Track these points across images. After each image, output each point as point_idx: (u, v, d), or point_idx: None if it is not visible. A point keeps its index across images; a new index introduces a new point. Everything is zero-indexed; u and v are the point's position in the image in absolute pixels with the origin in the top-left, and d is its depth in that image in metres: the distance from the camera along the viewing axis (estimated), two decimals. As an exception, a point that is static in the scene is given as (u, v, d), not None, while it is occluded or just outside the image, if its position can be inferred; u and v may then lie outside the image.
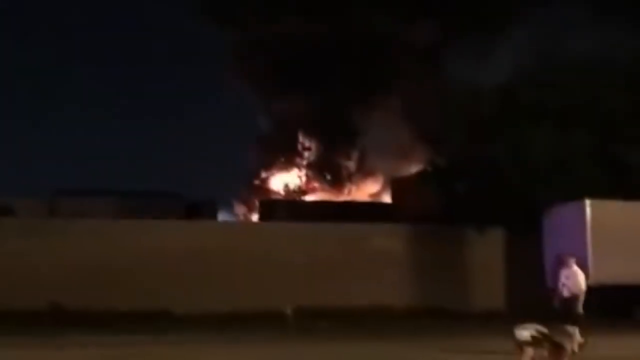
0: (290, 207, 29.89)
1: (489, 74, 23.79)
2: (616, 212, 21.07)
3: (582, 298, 13.59)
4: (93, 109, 41.62)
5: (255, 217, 32.13)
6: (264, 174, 36.14)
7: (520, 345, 7.16)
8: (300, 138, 36.13)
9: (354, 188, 36.19)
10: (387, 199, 33.87)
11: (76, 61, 43.83)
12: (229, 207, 34.14)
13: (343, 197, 35.25)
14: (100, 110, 41.53)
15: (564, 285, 13.62)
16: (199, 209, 28.49)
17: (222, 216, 31.29)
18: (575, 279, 13.54)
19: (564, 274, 13.81)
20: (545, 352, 9.64)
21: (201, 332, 17.88)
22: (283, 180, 35.87)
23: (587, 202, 20.49)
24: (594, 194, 20.55)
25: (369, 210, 29.70)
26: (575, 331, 12.50)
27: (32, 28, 43.98)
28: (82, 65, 44.05)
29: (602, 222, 20.62)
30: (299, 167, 36.18)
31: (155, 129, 46.23)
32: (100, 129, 43.02)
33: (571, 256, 14.06)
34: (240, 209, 34.67)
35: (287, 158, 36.09)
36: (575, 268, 13.74)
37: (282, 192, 35.45)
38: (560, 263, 14.17)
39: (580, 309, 13.47)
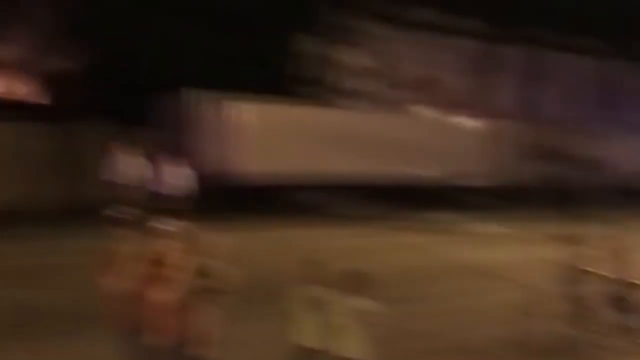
0: None
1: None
2: (248, 110, 21.49)
3: (174, 193, 13.43)
4: None
5: None
6: None
7: (114, 227, 6.88)
8: None
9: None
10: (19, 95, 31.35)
11: None
12: None
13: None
14: None
15: (160, 181, 13.41)
16: None
17: None
18: (165, 176, 13.33)
19: (160, 170, 13.57)
20: (140, 235, 9.54)
21: None
22: None
23: (190, 93, 20.52)
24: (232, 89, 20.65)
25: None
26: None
27: None
28: None
29: (232, 120, 20.91)
30: None
31: None
32: None
33: (167, 153, 13.81)
34: None
35: None
36: (167, 165, 13.45)
37: None
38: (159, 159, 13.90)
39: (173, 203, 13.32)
